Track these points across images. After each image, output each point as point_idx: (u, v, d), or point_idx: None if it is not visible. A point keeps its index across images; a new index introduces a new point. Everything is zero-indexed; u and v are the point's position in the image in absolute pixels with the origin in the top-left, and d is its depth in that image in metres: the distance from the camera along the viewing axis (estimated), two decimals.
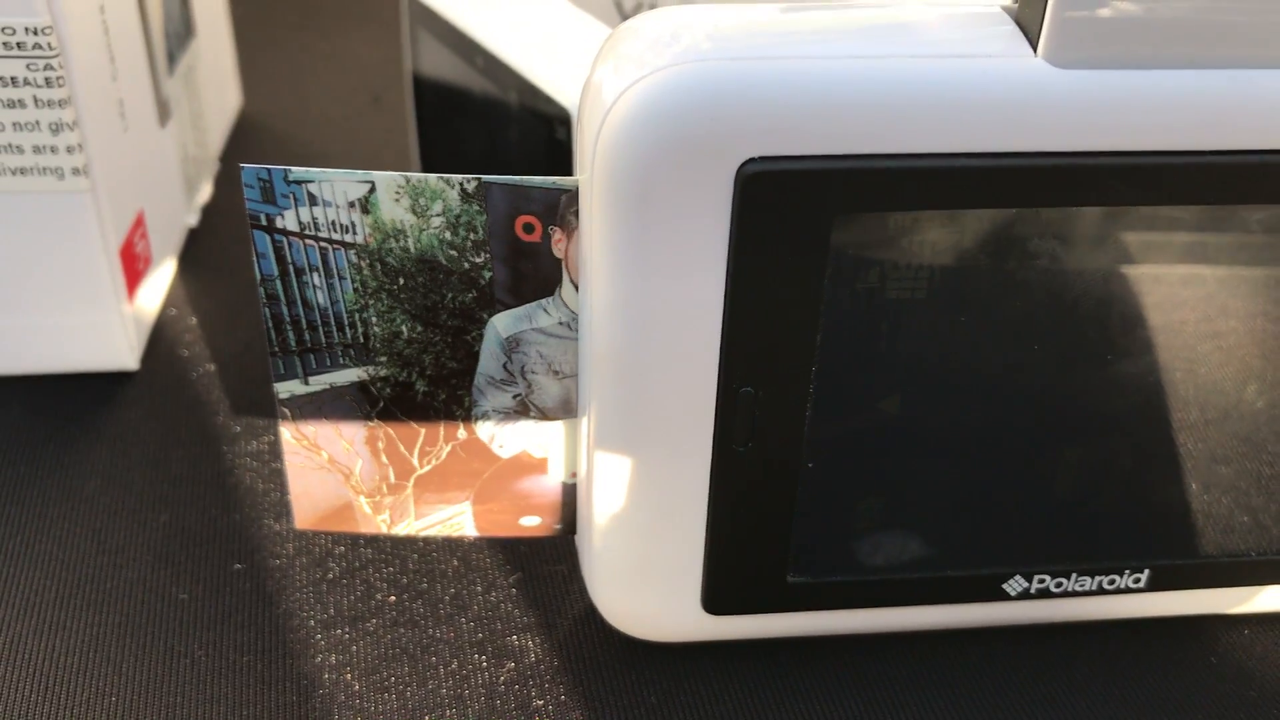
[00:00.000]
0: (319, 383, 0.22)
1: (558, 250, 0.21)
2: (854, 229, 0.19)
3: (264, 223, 0.21)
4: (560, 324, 0.22)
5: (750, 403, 0.21)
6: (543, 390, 0.22)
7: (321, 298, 0.21)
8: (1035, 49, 0.19)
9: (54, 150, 0.27)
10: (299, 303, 0.21)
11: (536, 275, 0.21)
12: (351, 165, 0.37)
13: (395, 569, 0.26)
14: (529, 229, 0.20)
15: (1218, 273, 0.21)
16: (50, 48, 0.26)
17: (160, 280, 0.33)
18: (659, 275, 0.20)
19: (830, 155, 0.19)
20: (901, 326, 0.21)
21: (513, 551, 0.26)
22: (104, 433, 0.29)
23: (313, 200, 0.20)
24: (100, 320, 0.30)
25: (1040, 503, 0.23)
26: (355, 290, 0.21)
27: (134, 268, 0.30)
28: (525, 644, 0.24)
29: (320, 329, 0.21)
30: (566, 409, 0.23)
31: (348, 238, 0.21)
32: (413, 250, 0.21)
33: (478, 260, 0.21)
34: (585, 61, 0.29)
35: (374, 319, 0.21)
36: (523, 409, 0.22)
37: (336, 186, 0.20)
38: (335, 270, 0.21)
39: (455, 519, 0.24)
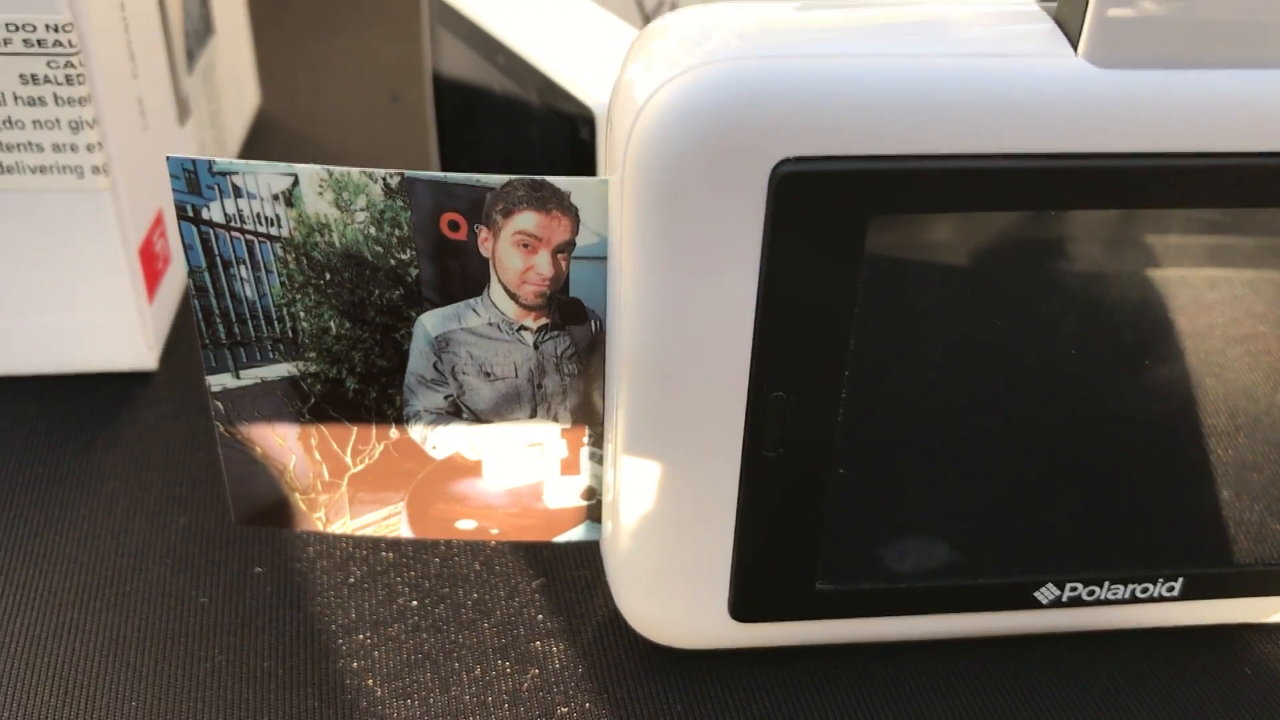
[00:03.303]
0: (250, 376, 0.22)
1: (484, 249, 0.21)
2: (889, 231, 0.19)
3: (190, 214, 0.20)
4: (490, 324, 0.21)
5: (782, 407, 0.20)
6: (474, 392, 0.22)
7: (249, 291, 0.21)
8: (1075, 48, 0.18)
9: (74, 149, 0.27)
10: (227, 295, 0.21)
11: (464, 274, 0.21)
12: (370, 165, 0.37)
13: (417, 573, 0.25)
14: (454, 226, 0.20)
15: (1251, 276, 0.21)
16: (71, 45, 0.26)
17: (179, 279, 0.33)
18: (690, 277, 0.19)
19: (866, 156, 0.18)
20: (936, 330, 0.20)
21: (536, 556, 0.26)
22: (123, 433, 0.29)
23: (237, 192, 0.20)
24: (119, 320, 0.30)
25: (1073, 510, 0.23)
26: (282, 284, 0.21)
27: (153, 267, 0.30)
28: (549, 650, 0.24)
29: (249, 322, 0.21)
30: (499, 412, 0.22)
31: (273, 230, 0.20)
32: (338, 245, 0.20)
33: (403, 257, 0.21)
34: (608, 60, 0.29)
35: (302, 314, 0.21)
36: (455, 410, 0.22)
37: (260, 179, 0.20)
38: (262, 263, 0.21)
39: (391, 519, 0.23)
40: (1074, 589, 0.23)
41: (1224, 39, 0.18)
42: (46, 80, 0.26)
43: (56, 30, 0.26)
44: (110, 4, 0.27)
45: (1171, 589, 0.23)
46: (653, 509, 0.22)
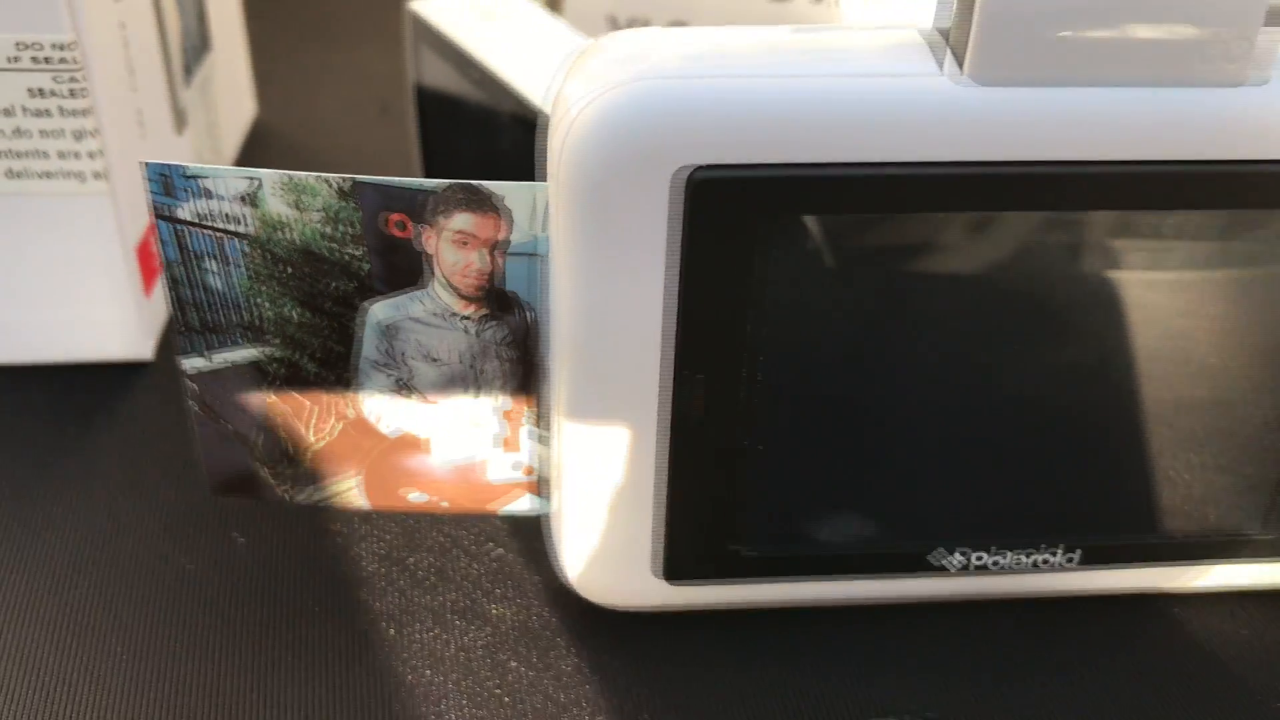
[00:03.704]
0: (220, 360, 0.24)
1: (427, 246, 0.23)
2: (791, 229, 0.21)
3: (166, 213, 0.23)
4: (433, 314, 0.23)
5: (700, 387, 0.23)
6: (421, 375, 0.24)
7: (219, 282, 0.23)
8: (961, 68, 0.21)
9: (76, 156, 0.30)
10: (200, 286, 0.23)
11: (409, 268, 0.23)
12: (359, 171, 0.39)
13: (385, 544, 0.28)
14: (401, 225, 0.22)
15: (1132, 275, 0.23)
16: (74, 62, 0.28)
17: None
18: (617, 271, 0.22)
19: (769, 164, 0.21)
20: (836, 318, 0.23)
21: (495, 529, 0.28)
22: (120, 417, 0.31)
23: (207, 194, 0.22)
24: (119, 314, 0.32)
25: (976, 482, 0.25)
26: (248, 277, 0.23)
27: (150, 264, 0.33)
28: (502, 612, 0.26)
29: (219, 311, 0.23)
30: (444, 394, 0.24)
31: (239, 229, 0.23)
32: (296, 241, 0.23)
33: (355, 253, 0.23)
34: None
35: (265, 303, 0.23)
36: (404, 392, 0.24)
37: (227, 182, 0.22)
38: (230, 258, 0.23)
39: (349, 492, 0.26)
40: (979, 556, 0.25)
41: (1088, 61, 0.21)
42: (52, 94, 0.29)
43: (61, 49, 0.28)
44: (111, 24, 0.30)
45: (1071, 558, 0.26)
46: (590, 481, 0.24)
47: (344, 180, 0.22)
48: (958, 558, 0.25)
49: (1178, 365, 0.24)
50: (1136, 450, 0.25)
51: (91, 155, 0.30)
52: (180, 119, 0.36)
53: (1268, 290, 0.23)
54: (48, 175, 0.30)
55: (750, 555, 0.25)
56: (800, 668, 0.25)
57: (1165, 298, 0.23)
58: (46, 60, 0.28)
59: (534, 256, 0.23)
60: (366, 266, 0.23)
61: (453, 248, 0.23)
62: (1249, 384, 0.24)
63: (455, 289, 0.23)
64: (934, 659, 0.26)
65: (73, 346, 0.32)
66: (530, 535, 0.28)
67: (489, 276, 0.23)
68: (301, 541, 0.28)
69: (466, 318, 0.23)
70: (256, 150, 0.43)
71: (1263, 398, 0.24)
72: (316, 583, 0.27)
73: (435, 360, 0.24)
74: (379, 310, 0.23)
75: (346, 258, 0.23)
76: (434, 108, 0.38)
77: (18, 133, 0.29)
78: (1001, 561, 0.25)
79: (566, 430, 0.24)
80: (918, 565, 0.25)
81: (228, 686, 0.24)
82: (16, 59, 0.28)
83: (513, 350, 0.24)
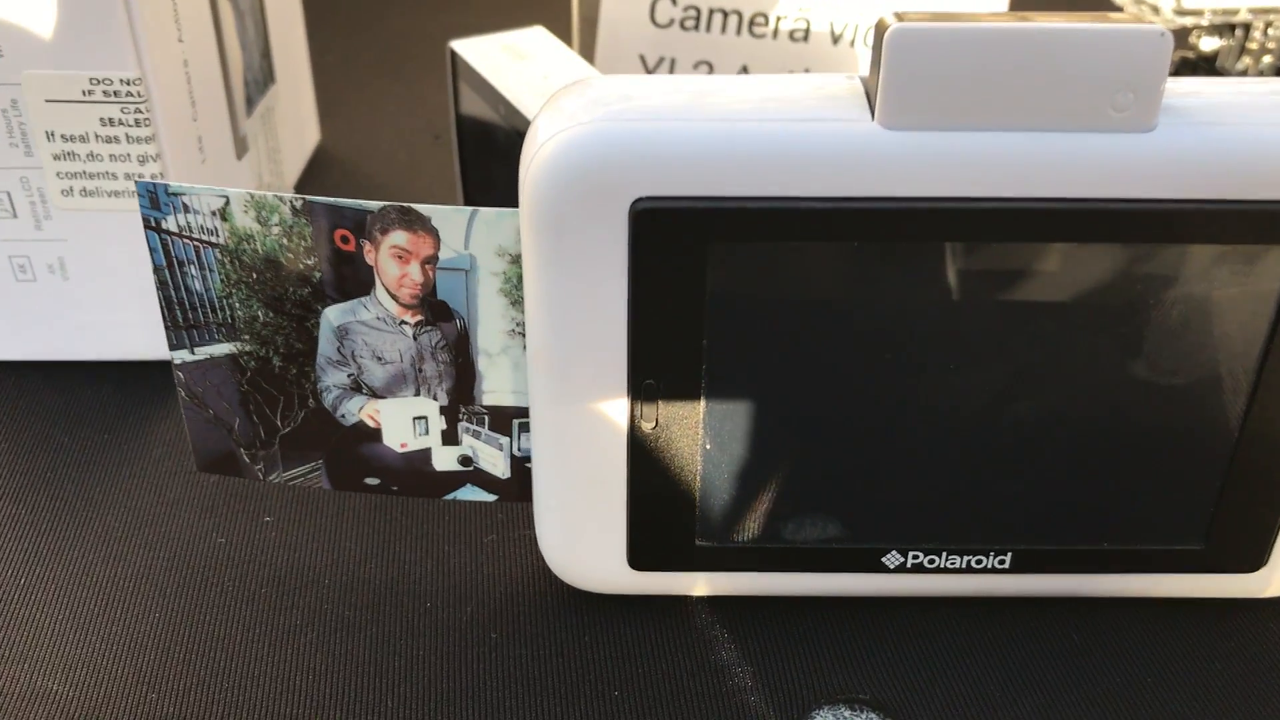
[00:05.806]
0: (202, 353, 0.27)
1: (369, 258, 0.26)
2: (726, 253, 0.24)
3: (154, 224, 0.26)
4: (378, 319, 0.27)
5: (653, 392, 0.26)
6: (370, 372, 0.27)
7: (198, 285, 0.27)
8: (873, 115, 0.24)
9: (140, 178, 0.34)
10: (183, 289, 0.27)
11: (355, 278, 0.26)
12: (411, 196, 0.43)
13: (395, 526, 0.31)
14: (346, 240, 0.26)
15: (1060, 300, 0.25)
16: (140, 95, 0.32)
17: None
18: (576, 288, 0.25)
19: (703, 197, 0.23)
20: (775, 333, 0.25)
21: (490, 518, 0.31)
22: (173, 411, 0.35)
23: (187, 209, 0.26)
24: None
25: (914, 488, 0.27)
26: (222, 281, 0.27)
27: None
28: (490, 590, 0.29)
29: (199, 310, 0.27)
30: (390, 390, 0.27)
31: (213, 239, 0.26)
32: (260, 251, 0.26)
33: (309, 262, 0.26)
34: None
35: (237, 305, 0.27)
36: (357, 387, 0.28)
37: (202, 199, 0.26)
38: (206, 264, 0.26)
39: (314, 473, 0.29)
40: (916, 557, 0.28)
41: (979, 109, 0.23)
42: (120, 123, 0.33)
43: (129, 83, 0.32)
44: (175, 62, 0.34)
45: (1002, 562, 0.28)
46: (563, 477, 0.27)
47: (297, 199, 0.26)
48: (898, 556, 0.28)
49: (1114, 386, 0.26)
50: (1073, 465, 0.27)
51: (154, 177, 0.34)
52: (241, 146, 0.40)
53: (1192, 314, 0.25)
54: (116, 194, 0.34)
55: (708, 548, 0.28)
56: (751, 651, 0.28)
57: (1097, 322, 0.26)
58: (115, 93, 0.32)
59: (462, 271, 0.26)
60: (319, 275, 0.26)
61: (391, 260, 0.26)
62: (1187, 404, 0.26)
63: (395, 297, 0.26)
64: (874, 649, 0.28)
65: (135, 346, 0.36)
66: (524, 526, 0.31)
67: (423, 287, 0.26)
68: (322, 523, 0.31)
69: (405, 322, 0.27)
70: (317, 175, 0.47)
71: (1201, 417, 0.26)
72: (328, 559, 0.30)
73: (382, 360, 0.27)
74: (332, 314, 0.27)
75: (302, 266, 0.26)
76: (471, 136, 0.41)
77: (91, 156, 0.33)
78: (939, 561, 0.28)
79: (538, 430, 0.27)
80: (862, 563, 0.28)
81: (246, 647, 0.28)
82: (90, 92, 0.32)
83: (447, 354, 0.27)
